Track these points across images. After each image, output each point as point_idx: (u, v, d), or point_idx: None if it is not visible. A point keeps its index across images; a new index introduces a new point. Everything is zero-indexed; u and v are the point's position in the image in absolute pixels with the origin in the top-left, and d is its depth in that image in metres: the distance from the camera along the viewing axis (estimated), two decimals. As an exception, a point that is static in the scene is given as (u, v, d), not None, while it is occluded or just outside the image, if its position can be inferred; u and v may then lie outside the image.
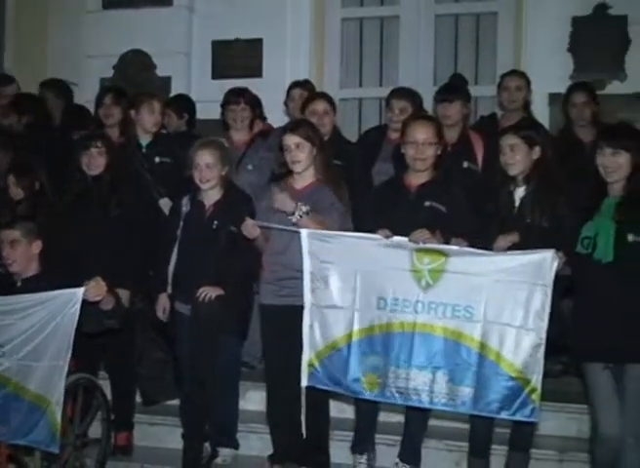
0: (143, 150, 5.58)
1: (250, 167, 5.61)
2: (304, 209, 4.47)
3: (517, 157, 4.34)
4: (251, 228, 4.53)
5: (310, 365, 4.41)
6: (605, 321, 3.94)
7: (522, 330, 4.08)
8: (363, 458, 4.69)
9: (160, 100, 5.70)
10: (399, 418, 4.78)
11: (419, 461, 4.67)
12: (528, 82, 5.82)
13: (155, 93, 6.02)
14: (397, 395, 4.26)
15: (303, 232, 4.42)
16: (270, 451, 4.87)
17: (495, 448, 4.55)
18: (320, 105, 5.46)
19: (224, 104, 5.80)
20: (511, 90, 5.78)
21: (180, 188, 5.11)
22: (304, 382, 4.44)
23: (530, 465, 4.62)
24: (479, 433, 4.47)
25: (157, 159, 5.54)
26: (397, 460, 4.64)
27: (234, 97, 5.77)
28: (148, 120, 5.56)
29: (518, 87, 5.79)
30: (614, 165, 3.99)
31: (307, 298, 4.42)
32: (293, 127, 4.72)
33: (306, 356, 4.41)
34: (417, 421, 4.61)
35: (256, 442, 5.10)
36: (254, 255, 4.74)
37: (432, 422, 4.80)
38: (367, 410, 4.68)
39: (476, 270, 4.17)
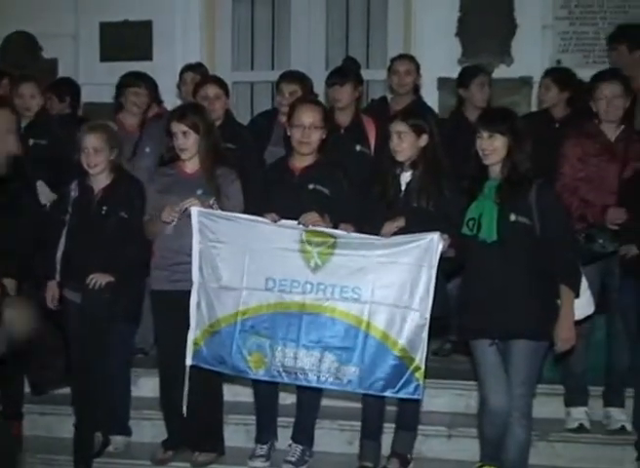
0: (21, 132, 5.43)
1: (148, 150, 5.56)
2: (211, 201, 4.49)
3: (404, 144, 4.40)
4: (169, 215, 4.46)
5: (196, 343, 4.41)
6: (490, 299, 4.05)
7: (407, 310, 4.16)
8: (265, 447, 4.72)
9: (33, 83, 5.58)
10: (292, 400, 4.81)
11: (311, 442, 4.74)
12: (417, 66, 5.88)
13: (29, 75, 5.88)
14: (284, 374, 4.31)
15: (194, 210, 4.40)
16: (163, 438, 4.84)
17: (385, 425, 4.61)
18: (211, 90, 5.41)
19: (121, 87, 5.72)
20: (401, 74, 5.82)
21: (59, 171, 5.02)
22: (189, 361, 4.42)
23: (420, 441, 4.74)
24: (371, 414, 4.53)
25: (31, 141, 5.36)
26: (290, 442, 4.69)
27: (135, 80, 5.71)
28: (19, 103, 5.40)
29: (408, 71, 5.84)
30: (490, 148, 4.08)
31: (195, 277, 4.40)
32: (180, 114, 4.66)
33: (192, 335, 4.41)
34: (309, 402, 4.67)
35: (149, 429, 5.07)
36: (144, 241, 4.69)
37: (325, 403, 4.87)
38: (266, 397, 4.72)
39: (364, 252, 4.24)
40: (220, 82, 5.54)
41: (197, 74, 6.00)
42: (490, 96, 5.82)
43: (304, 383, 4.34)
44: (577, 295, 4.09)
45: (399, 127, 4.42)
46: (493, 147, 4.08)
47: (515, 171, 4.08)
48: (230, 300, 4.39)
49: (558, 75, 5.53)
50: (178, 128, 4.60)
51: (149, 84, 5.75)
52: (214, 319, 4.41)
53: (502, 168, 4.11)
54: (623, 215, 4.58)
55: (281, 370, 4.31)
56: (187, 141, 4.61)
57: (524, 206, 4.03)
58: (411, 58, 5.95)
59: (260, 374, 4.37)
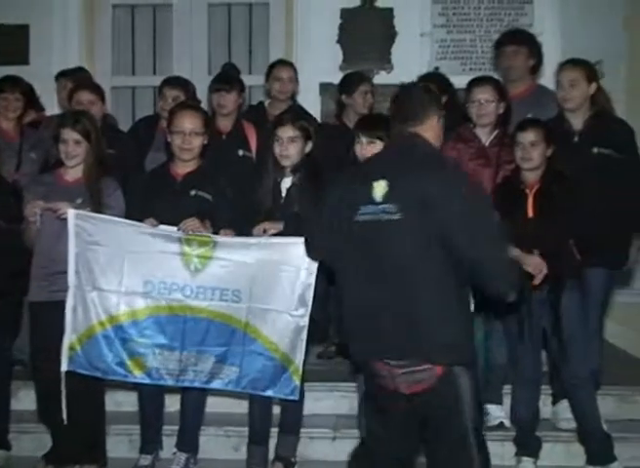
0: None
1: (33, 156, 5.43)
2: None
3: (292, 150, 4.43)
4: (32, 211, 4.35)
5: (71, 348, 4.31)
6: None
7: (286, 313, 4.22)
8: (149, 457, 4.68)
9: None
10: (177, 407, 4.76)
11: (196, 449, 4.71)
12: (296, 73, 5.92)
13: None
14: (166, 377, 4.30)
15: (71, 212, 4.31)
16: (44, 451, 4.73)
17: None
18: (84, 96, 5.32)
19: None
20: (284, 81, 5.83)
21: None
22: (64, 367, 4.32)
23: (304, 444, 4.78)
24: (257, 421, 4.55)
25: None
26: (174, 450, 4.66)
27: (8, 86, 5.56)
28: None
29: (290, 78, 5.87)
30: (369, 154, 4.13)
31: (71, 281, 4.31)
32: (73, 122, 4.56)
33: (67, 340, 4.31)
34: (193, 409, 4.65)
35: (29, 442, 4.95)
36: (23, 251, 4.57)
37: (210, 409, 4.84)
38: (151, 406, 4.67)
39: (244, 255, 4.26)
40: (93, 87, 5.45)
41: (70, 81, 5.88)
42: (372, 103, 5.87)
43: (186, 384, 4.34)
44: None
45: (290, 132, 4.44)
46: (372, 153, 4.14)
47: None
48: (107, 304, 4.32)
49: (432, 81, 5.63)
50: (69, 135, 4.51)
51: (22, 89, 5.60)
52: (90, 323, 4.32)
53: None
54: None
55: (162, 372, 4.30)
56: (78, 149, 4.52)
57: None
58: (291, 65, 5.98)
59: (140, 378, 4.34)
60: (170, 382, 4.34)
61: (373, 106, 5.87)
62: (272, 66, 5.97)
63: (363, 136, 4.17)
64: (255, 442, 4.59)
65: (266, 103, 6.03)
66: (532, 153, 4.41)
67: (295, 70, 5.91)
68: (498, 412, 4.95)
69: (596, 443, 4.59)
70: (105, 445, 4.73)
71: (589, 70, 4.84)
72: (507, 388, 4.96)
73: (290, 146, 4.42)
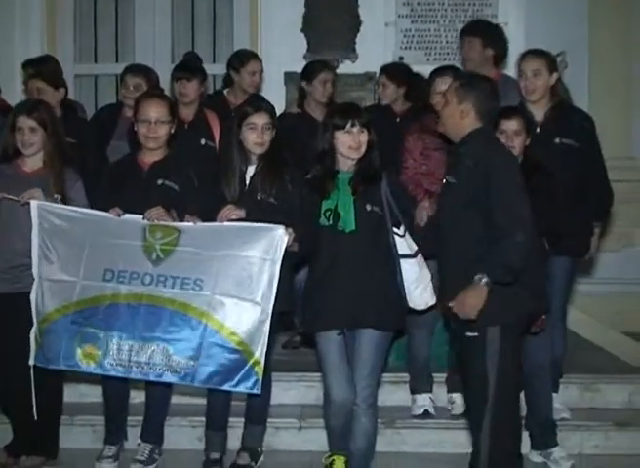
0: None
1: None
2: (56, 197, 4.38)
3: (267, 137, 4.38)
4: None
5: (36, 341, 4.28)
6: (343, 288, 4.10)
7: (249, 303, 4.15)
8: (113, 447, 4.65)
9: None
10: (142, 398, 4.74)
11: (161, 439, 4.69)
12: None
13: None
14: (119, 368, 4.21)
15: (33, 204, 4.27)
16: (6, 442, 4.69)
17: (232, 420, 4.61)
18: (34, 84, 5.29)
19: None
20: (256, 74, 5.82)
21: None
22: (32, 360, 4.29)
23: (270, 434, 4.78)
24: (215, 407, 4.52)
25: None
26: (139, 441, 4.63)
27: None
28: None
29: (261, 71, 5.86)
30: (360, 142, 4.12)
31: (35, 271, 4.29)
32: (28, 109, 4.51)
33: (33, 333, 4.28)
34: (158, 400, 4.62)
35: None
36: None
37: (175, 400, 4.83)
38: (116, 397, 4.64)
39: (208, 245, 4.21)
40: (44, 75, 5.38)
41: (32, 68, 5.81)
42: (333, 92, 5.84)
43: (140, 377, 4.26)
44: None
45: (265, 118, 4.38)
46: (362, 141, 4.13)
47: (371, 164, 4.17)
48: (64, 293, 4.27)
49: (393, 72, 5.66)
50: (25, 123, 4.46)
51: None
52: (47, 312, 4.28)
53: (359, 161, 4.17)
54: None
55: (114, 363, 4.21)
56: (34, 137, 4.47)
57: (376, 196, 4.12)
58: (259, 58, 5.96)
59: (92, 368, 4.26)
60: (121, 374, 4.24)
61: (333, 95, 5.84)
62: (243, 59, 5.88)
63: (356, 124, 4.13)
64: (212, 427, 4.56)
65: (225, 92, 5.98)
66: (515, 141, 4.41)
67: (262, 63, 5.91)
68: (462, 401, 4.97)
69: (544, 430, 4.67)
70: (58, 436, 4.70)
71: (551, 61, 4.86)
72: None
73: (265, 134, 4.39)
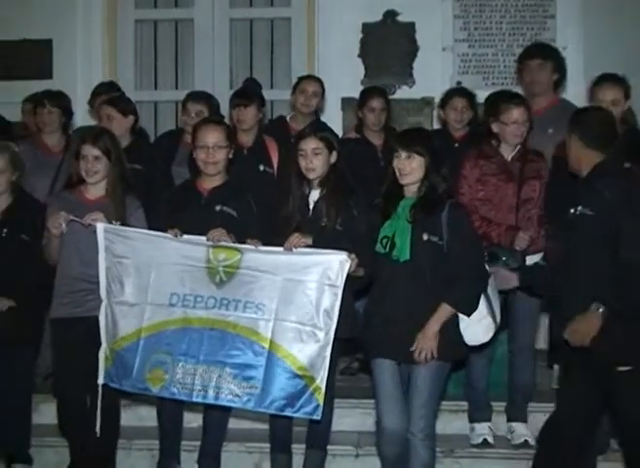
0: None
1: None
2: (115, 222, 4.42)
3: (317, 162, 4.40)
4: (56, 221, 4.31)
5: (106, 362, 4.32)
6: (397, 317, 4.07)
7: (311, 328, 4.15)
8: None
9: None
10: (199, 423, 4.75)
11: (218, 465, 4.68)
12: (323, 89, 5.93)
13: None
14: (185, 391, 4.23)
15: (99, 227, 4.33)
16: (65, 465, 4.71)
17: (295, 446, 4.61)
18: (104, 111, 5.36)
19: (33, 109, 5.64)
20: (309, 94, 5.84)
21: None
22: (101, 379, 4.33)
23: (328, 461, 4.73)
24: (279, 428, 4.52)
25: None
26: (196, 466, 4.65)
27: (39, 99, 5.60)
28: None
29: (315, 93, 5.88)
30: (408, 168, 4.12)
31: (103, 294, 4.34)
32: (93, 138, 4.56)
33: (102, 353, 4.32)
34: (215, 425, 4.63)
35: (50, 455, 4.97)
36: (46, 266, 4.57)
37: (232, 425, 4.82)
38: (170, 420, 4.65)
39: (270, 269, 4.22)
40: (115, 103, 5.43)
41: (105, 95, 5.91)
42: (387, 118, 5.83)
43: (203, 400, 4.27)
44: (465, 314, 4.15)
45: (313, 143, 4.42)
46: (410, 168, 4.12)
47: (432, 191, 4.14)
48: (134, 316, 4.32)
49: (469, 96, 5.61)
50: (89, 151, 4.51)
51: (57, 103, 5.61)
52: (118, 336, 4.33)
53: (420, 187, 4.16)
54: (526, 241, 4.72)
55: (179, 387, 4.23)
56: (98, 165, 4.51)
57: (436, 225, 4.08)
58: (318, 80, 5.98)
59: (161, 392, 4.29)
60: (185, 398, 4.26)
61: (388, 120, 5.84)
62: (300, 79, 5.99)
63: (402, 150, 4.13)
64: (278, 449, 4.56)
65: (288, 117, 6.03)
66: None
67: (322, 86, 5.92)
68: (523, 430, 4.92)
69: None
70: (115, 460, 4.72)
71: (627, 87, 4.83)
72: (532, 406, 4.93)
73: (314, 159, 4.41)
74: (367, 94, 5.85)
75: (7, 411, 4.65)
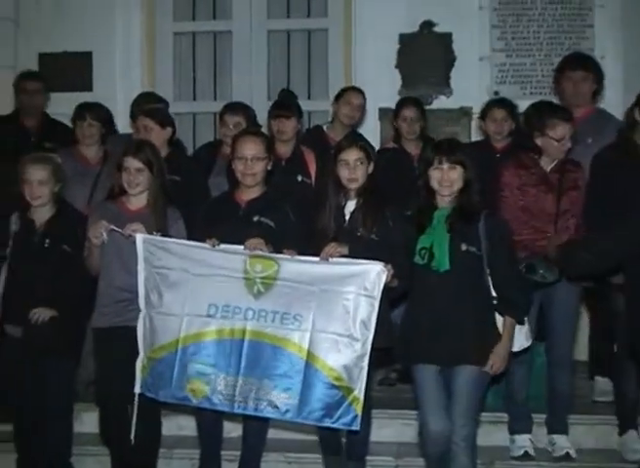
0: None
1: (109, 184, 5.44)
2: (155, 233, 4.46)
3: (359, 172, 4.42)
4: (97, 230, 4.37)
5: (143, 371, 4.36)
6: (437, 326, 4.09)
7: (348, 339, 4.15)
8: None
9: None
10: (238, 432, 4.77)
11: (258, 474, 4.69)
12: (365, 100, 5.98)
13: None
14: (226, 402, 4.25)
15: (139, 237, 4.37)
16: (107, 474, 4.78)
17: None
18: (142, 122, 5.40)
19: (73, 119, 5.69)
20: (353, 106, 5.89)
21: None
22: (137, 389, 4.36)
23: (367, 472, 4.74)
24: (329, 442, 4.52)
25: None
26: (237, 475, 4.66)
27: (79, 112, 5.66)
28: None
29: (359, 105, 5.93)
30: (450, 179, 4.13)
31: (142, 304, 4.37)
32: (135, 150, 4.61)
33: (140, 363, 4.36)
34: (255, 435, 4.64)
35: (92, 464, 5.01)
36: (88, 276, 4.63)
37: (272, 435, 4.83)
38: (209, 430, 4.66)
39: (306, 279, 4.23)
40: (152, 114, 5.47)
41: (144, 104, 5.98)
42: (423, 128, 5.85)
43: (243, 411, 4.28)
44: (520, 323, 4.17)
45: (356, 154, 4.43)
46: (453, 178, 4.13)
47: (469, 201, 4.15)
48: (172, 327, 4.34)
49: (510, 107, 5.59)
50: (131, 163, 4.56)
51: (97, 115, 5.67)
52: (155, 346, 4.36)
53: (457, 198, 4.17)
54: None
55: (221, 397, 4.25)
56: (140, 177, 4.56)
57: (473, 236, 4.10)
58: (362, 93, 6.01)
59: (201, 402, 4.31)
60: (226, 408, 4.29)
61: (424, 130, 5.87)
62: (344, 90, 6.03)
63: (446, 161, 4.14)
64: (329, 453, 4.58)
65: (325, 127, 6.05)
66: None
67: (364, 99, 5.97)
68: (564, 443, 4.88)
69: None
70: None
71: None
72: (573, 418, 4.89)
73: (357, 169, 4.42)
74: (401, 103, 5.89)
75: (49, 420, 4.68)
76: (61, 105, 6.39)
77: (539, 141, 4.82)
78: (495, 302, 4.16)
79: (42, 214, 4.71)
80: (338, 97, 5.99)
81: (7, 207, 4.89)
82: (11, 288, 4.67)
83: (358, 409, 4.13)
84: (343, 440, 4.53)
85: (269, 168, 4.69)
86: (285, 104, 5.71)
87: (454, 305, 4.07)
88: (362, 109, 6.00)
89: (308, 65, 7.77)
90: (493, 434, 5.02)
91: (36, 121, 6.27)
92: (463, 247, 4.08)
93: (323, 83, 7.63)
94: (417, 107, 5.82)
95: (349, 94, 5.96)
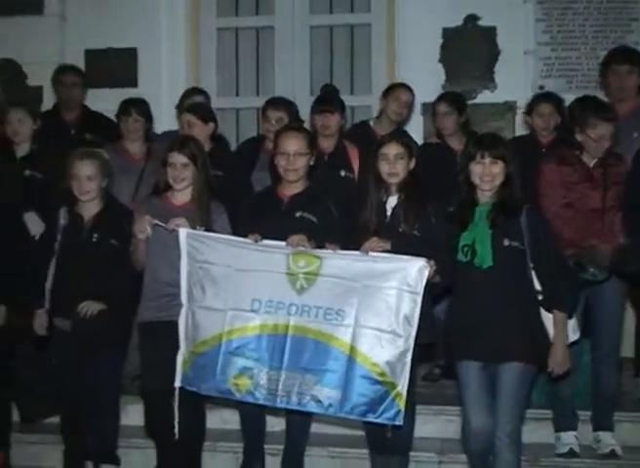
0: (17, 162, 5.49)
1: (153, 179, 5.41)
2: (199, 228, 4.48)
3: (399, 166, 4.41)
4: (142, 224, 4.42)
5: (184, 365, 4.39)
6: (482, 322, 4.08)
7: (391, 334, 4.14)
8: None
9: (25, 110, 5.58)
10: (282, 426, 4.80)
11: (301, 468, 4.71)
12: (414, 96, 5.99)
13: (21, 103, 5.88)
14: (269, 397, 4.27)
15: (182, 232, 4.40)
16: (152, 466, 4.82)
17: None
18: (185, 118, 5.45)
19: (118, 115, 5.74)
20: (401, 102, 5.90)
21: (48, 201, 5.06)
22: (178, 383, 4.39)
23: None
24: (375, 437, 4.50)
25: (27, 172, 5.42)
26: (280, 469, 4.69)
27: (124, 107, 5.70)
28: (8, 130, 5.49)
29: (407, 102, 5.94)
30: (492, 174, 4.12)
31: (184, 298, 4.40)
32: (180, 146, 4.65)
33: (181, 357, 4.39)
34: (298, 429, 4.66)
35: (138, 457, 5.05)
36: (135, 270, 4.68)
37: (315, 429, 4.84)
38: (252, 424, 4.69)
39: (349, 275, 4.23)
40: (195, 109, 5.52)
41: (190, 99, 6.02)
42: (465, 122, 5.85)
43: (286, 406, 4.30)
44: (569, 316, 4.15)
45: (396, 149, 4.42)
46: (494, 173, 4.12)
47: (511, 196, 4.13)
48: (216, 321, 4.37)
49: (557, 102, 5.54)
50: (176, 159, 4.59)
51: (142, 110, 5.71)
52: (199, 340, 4.39)
53: (498, 193, 4.15)
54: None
55: (264, 392, 4.27)
56: (185, 172, 4.60)
57: (515, 230, 4.08)
58: (410, 90, 6.02)
59: (244, 397, 4.33)
60: (270, 403, 4.31)
61: (468, 124, 5.88)
62: (393, 87, 6.04)
63: (488, 155, 4.12)
64: (375, 448, 4.56)
65: (372, 123, 6.05)
66: None
67: (413, 96, 5.99)
68: (609, 440, 4.85)
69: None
70: (200, 462, 4.81)
71: None
72: (619, 415, 4.85)
73: (397, 164, 4.42)
74: (437, 99, 5.89)
75: (95, 413, 4.75)
76: (107, 101, 6.42)
77: (579, 138, 4.78)
78: (540, 298, 4.13)
79: (90, 208, 4.76)
80: (386, 93, 5.98)
81: (55, 202, 4.96)
82: (59, 282, 4.74)
83: (401, 404, 4.13)
84: (389, 435, 4.53)
85: (312, 163, 4.70)
86: (329, 99, 5.73)
87: (498, 301, 4.06)
88: (410, 106, 6.01)
89: (351, 61, 7.74)
90: (538, 431, 4.99)
91: (76, 114, 6.34)
92: (506, 242, 4.07)
93: (365, 78, 7.59)
94: (449, 103, 5.80)
95: (398, 90, 5.96)
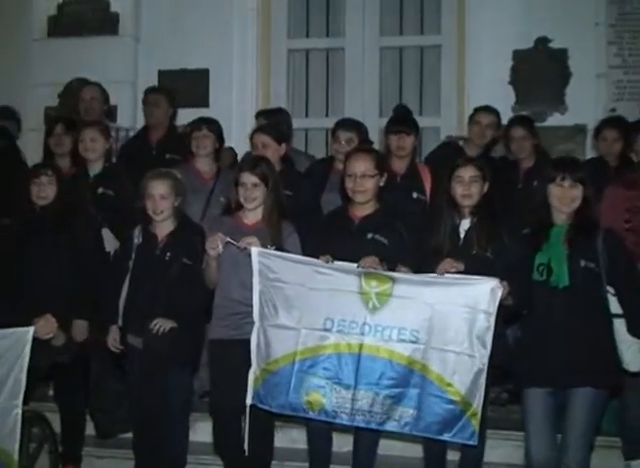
0: (90, 180, 5.61)
1: (222, 199, 5.47)
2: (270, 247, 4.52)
3: (474, 189, 4.43)
4: (214, 242, 4.46)
5: (255, 383, 4.42)
6: (556, 345, 4.05)
7: (465, 355, 4.15)
8: None
9: (98, 129, 5.69)
10: (349, 448, 4.78)
11: (369, 489, 4.70)
12: (499, 120, 5.99)
13: (93, 122, 6.03)
14: (343, 415, 4.29)
15: (254, 251, 4.44)
16: (219, 483, 4.85)
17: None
18: (259, 138, 5.49)
19: (189, 132, 5.81)
20: (482, 125, 5.91)
21: (121, 219, 5.17)
22: (249, 400, 4.42)
23: (478, 493, 4.70)
24: (433, 457, 4.50)
25: (100, 190, 5.53)
26: (348, 490, 4.68)
27: (197, 123, 5.77)
28: (82, 148, 5.60)
29: (489, 124, 5.93)
30: (572, 196, 4.10)
31: (256, 316, 4.43)
32: (251, 166, 4.71)
33: (252, 375, 4.42)
34: (365, 451, 4.63)
35: (205, 474, 5.08)
36: (206, 288, 4.74)
37: (382, 451, 4.82)
38: (319, 444, 4.68)
39: (422, 296, 4.24)
40: (268, 131, 5.57)
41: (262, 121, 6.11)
42: (536, 144, 5.84)
43: (362, 424, 4.31)
44: None
45: (471, 171, 4.45)
46: (574, 196, 4.10)
47: (588, 217, 4.11)
48: (288, 340, 4.40)
49: (623, 126, 5.50)
50: (248, 179, 4.65)
51: (213, 128, 5.74)
52: (271, 358, 4.42)
53: (574, 214, 4.13)
54: None
55: (338, 410, 4.30)
56: (256, 192, 4.65)
57: (591, 252, 4.05)
58: (494, 112, 6.01)
59: (318, 415, 4.36)
60: (345, 421, 4.32)
61: (538, 146, 5.86)
62: (475, 110, 6.06)
63: (569, 178, 4.11)
64: None
65: (461, 143, 6.10)
66: None
67: (497, 118, 5.97)
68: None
69: None
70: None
71: None
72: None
73: (472, 186, 4.43)
74: (509, 123, 5.91)
75: (166, 430, 4.80)
76: (179, 121, 6.57)
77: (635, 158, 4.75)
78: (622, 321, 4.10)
79: (164, 228, 4.84)
80: (470, 117, 6.03)
81: (130, 221, 5.05)
82: (132, 299, 4.81)
83: (476, 424, 4.14)
84: (455, 458, 4.51)
85: (382, 184, 4.71)
86: (404, 120, 5.75)
87: (572, 322, 4.03)
88: (494, 127, 5.96)
89: (420, 82, 7.79)
90: (607, 459, 4.90)
91: (161, 134, 6.43)
92: (582, 263, 4.05)
93: (434, 100, 7.65)
94: (524, 126, 5.82)
95: (479, 113, 5.99)
